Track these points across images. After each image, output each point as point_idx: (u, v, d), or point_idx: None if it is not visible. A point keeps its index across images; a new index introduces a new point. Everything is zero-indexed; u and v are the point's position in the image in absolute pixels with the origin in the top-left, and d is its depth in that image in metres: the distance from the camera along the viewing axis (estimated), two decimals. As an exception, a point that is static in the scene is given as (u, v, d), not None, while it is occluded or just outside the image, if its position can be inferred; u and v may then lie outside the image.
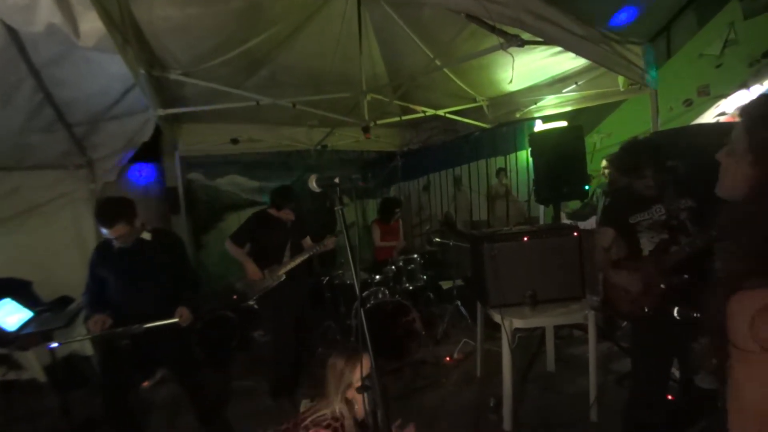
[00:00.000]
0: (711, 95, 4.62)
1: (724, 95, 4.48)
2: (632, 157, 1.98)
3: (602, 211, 2.50)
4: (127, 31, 2.19)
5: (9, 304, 3.07)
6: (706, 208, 1.88)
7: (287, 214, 3.23)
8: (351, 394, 1.49)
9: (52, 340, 2.80)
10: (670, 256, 1.86)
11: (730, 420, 0.75)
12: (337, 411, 1.46)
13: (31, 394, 3.11)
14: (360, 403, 1.48)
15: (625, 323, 3.48)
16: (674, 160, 2.00)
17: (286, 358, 3.16)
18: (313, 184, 1.33)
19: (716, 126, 3.97)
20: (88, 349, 3.36)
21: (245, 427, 2.81)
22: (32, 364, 3.07)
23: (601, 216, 2.24)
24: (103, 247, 2.41)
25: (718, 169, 0.95)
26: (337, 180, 1.30)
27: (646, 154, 1.93)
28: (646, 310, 1.92)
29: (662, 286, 1.86)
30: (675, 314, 1.84)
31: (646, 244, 1.99)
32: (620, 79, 3.55)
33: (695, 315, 1.81)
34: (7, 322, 2.93)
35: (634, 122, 4.95)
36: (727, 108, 4.48)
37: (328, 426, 1.40)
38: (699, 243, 1.76)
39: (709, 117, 4.57)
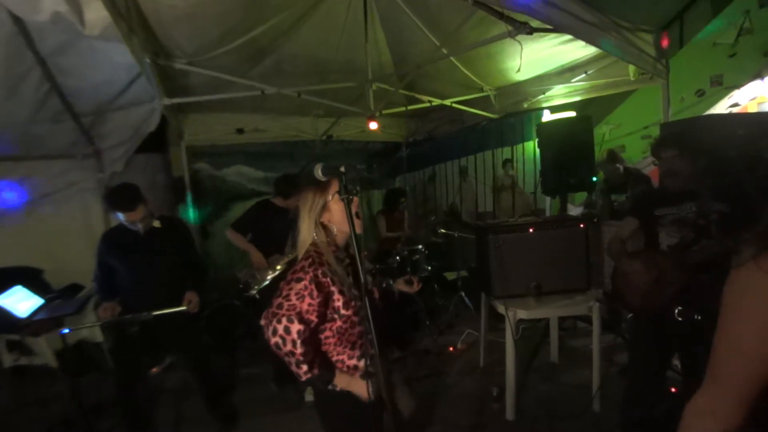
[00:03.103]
0: (724, 85, 4.52)
1: (737, 86, 4.38)
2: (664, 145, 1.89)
3: (631, 200, 2.43)
4: (132, 20, 2.18)
5: (20, 291, 3.13)
6: (738, 216, 1.81)
7: (297, 202, 3.22)
8: (326, 218, 1.47)
9: (63, 326, 2.86)
10: (692, 254, 1.82)
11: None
12: (314, 236, 1.44)
13: (43, 379, 3.18)
14: (337, 225, 1.46)
15: (630, 315, 3.47)
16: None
17: None
18: (318, 172, 1.32)
19: (735, 117, 3.88)
20: (98, 335, 3.43)
21: (251, 412, 2.87)
22: (44, 350, 3.13)
23: (629, 206, 2.18)
24: (111, 235, 2.44)
25: (744, 165, 0.91)
26: (342, 169, 1.29)
27: (674, 142, 1.85)
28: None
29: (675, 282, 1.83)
30: (676, 314, 1.83)
31: (665, 239, 1.95)
32: (630, 69, 3.49)
33: (696, 317, 1.79)
34: (18, 308, 2.99)
35: (645, 113, 4.88)
36: (740, 99, 4.38)
37: (307, 258, 1.39)
38: (717, 249, 1.73)
39: (721, 108, 4.48)
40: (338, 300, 1.38)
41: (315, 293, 1.32)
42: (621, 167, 3.59)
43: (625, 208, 3.10)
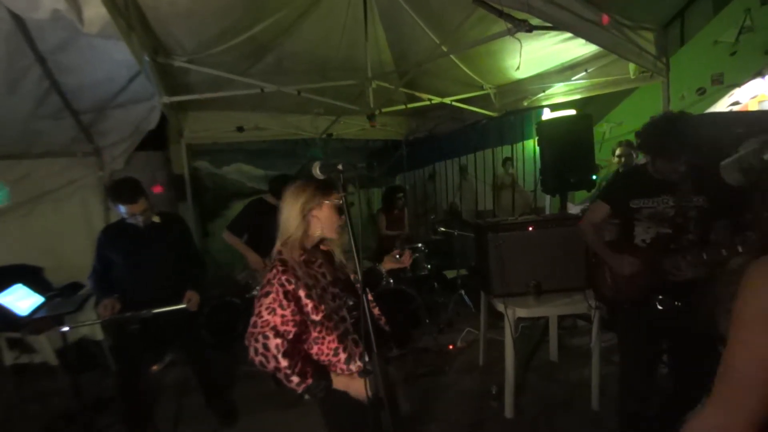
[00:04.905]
0: (724, 84, 4.51)
1: (738, 84, 4.36)
2: (661, 133, 1.80)
3: (604, 185, 2.40)
4: (131, 17, 2.18)
5: (21, 289, 3.13)
6: (717, 211, 1.78)
7: None
8: (314, 214, 1.42)
9: (63, 324, 2.87)
10: (670, 262, 1.80)
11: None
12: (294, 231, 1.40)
13: (44, 377, 3.19)
14: (323, 226, 1.43)
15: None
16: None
17: None
18: (316, 171, 1.32)
19: (730, 115, 3.88)
20: (98, 333, 3.43)
21: (250, 409, 2.88)
22: (44, 348, 3.14)
23: (601, 190, 2.13)
24: (112, 229, 2.45)
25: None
26: (340, 167, 1.29)
27: (676, 133, 1.76)
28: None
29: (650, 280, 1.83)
30: (657, 305, 1.82)
31: (640, 233, 1.91)
32: (631, 67, 3.49)
33: (676, 303, 1.79)
34: (19, 306, 2.99)
35: (646, 111, 4.81)
36: (740, 97, 4.37)
37: (271, 269, 1.36)
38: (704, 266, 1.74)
39: (722, 106, 4.47)
40: (306, 305, 1.35)
41: (285, 303, 1.30)
42: (634, 156, 3.63)
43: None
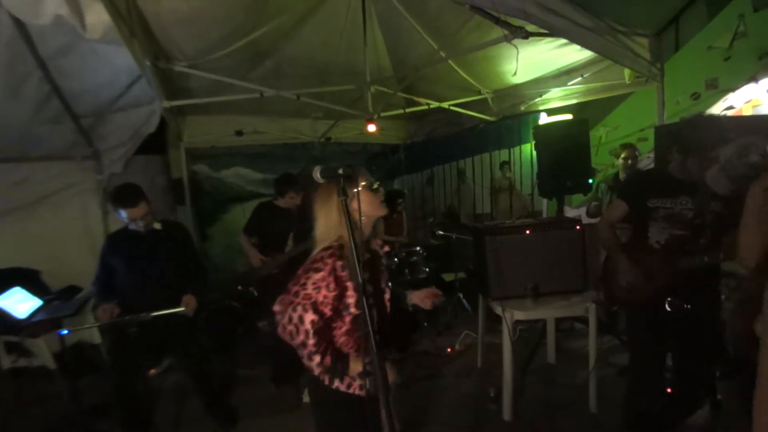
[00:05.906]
0: (719, 88, 4.56)
1: (733, 89, 4.42)
2: (702, 132, 1.77)
3: (622, 185, 2.37)
4: (133, 23, 2.20)
5: (19, 292, 3.13)
6: (731, 218, 1.73)
7: (293, 199, 3.24)
8: (354, 207, 1.36)
9: (61, 327, 2.86)
10: (686, 262, 1.80)
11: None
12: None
13: (41, 381, 3.18)
14: (365, 212, 1.39)
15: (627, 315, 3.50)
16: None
17: (287, 347, 3.20)
18: (317, 175, 1.33)
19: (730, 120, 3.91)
20: (96, 337, 3.43)
21: (249, 413, 2.87)
22: (42, 351, 3.13)
23: (619, 189, 2.12)
24: (115, 237, 2.47)
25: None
26: (341, 171, 1.31)
27: (716, 134, 1.76)
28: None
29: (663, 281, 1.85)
30: (666, 306, 1.84)
31: (655, 234, 1.91)
32: (626, 72, 3.53)
33: (686, 306, 1.81)
34: (17, 309, 2.99)
35: (642, 116, 4.91)
36: (735, 102, 4.42)
37: (327, 249, 1.33)
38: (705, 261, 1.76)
39: (716, 111, 4.51)
40: (351, 297, 1.35)
41: (332, 286, 1.30)
42: (638, 156, 3.69)
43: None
